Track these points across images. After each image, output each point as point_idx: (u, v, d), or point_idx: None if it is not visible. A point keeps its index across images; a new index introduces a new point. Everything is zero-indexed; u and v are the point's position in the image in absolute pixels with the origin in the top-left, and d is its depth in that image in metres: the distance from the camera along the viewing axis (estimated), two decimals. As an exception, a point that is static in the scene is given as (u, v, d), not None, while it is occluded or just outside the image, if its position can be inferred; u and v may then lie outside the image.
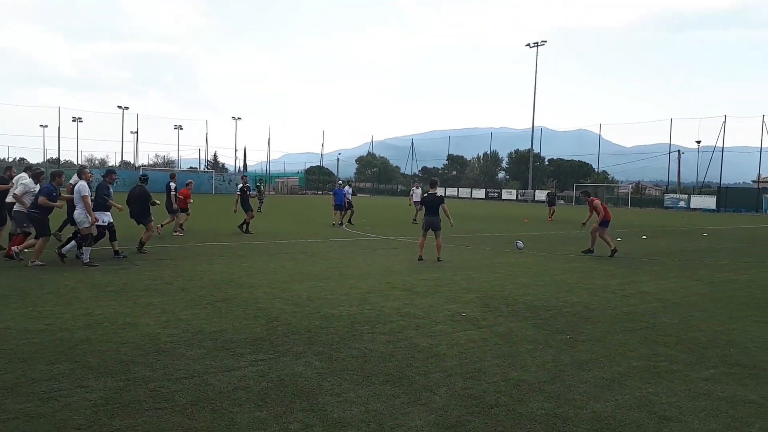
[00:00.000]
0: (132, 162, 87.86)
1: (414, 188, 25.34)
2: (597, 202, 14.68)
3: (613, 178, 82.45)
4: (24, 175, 11.56)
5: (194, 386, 4.55)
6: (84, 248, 10.44)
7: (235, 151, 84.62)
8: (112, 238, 11.44)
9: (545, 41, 66.01)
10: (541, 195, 67.18)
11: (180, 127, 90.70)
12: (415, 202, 24.06)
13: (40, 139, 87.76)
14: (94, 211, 10.64)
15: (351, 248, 14.35)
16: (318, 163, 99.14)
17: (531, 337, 6.22)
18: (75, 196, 10.54)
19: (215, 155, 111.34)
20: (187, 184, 17.41)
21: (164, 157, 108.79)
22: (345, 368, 5.05)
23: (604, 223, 14.36)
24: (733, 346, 6.08)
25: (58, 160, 72.85)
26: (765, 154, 55.88)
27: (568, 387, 4.73)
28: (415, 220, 23.84)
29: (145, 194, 12.77)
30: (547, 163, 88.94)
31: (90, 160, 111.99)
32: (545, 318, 7.18)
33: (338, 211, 21.39)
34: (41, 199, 10.29)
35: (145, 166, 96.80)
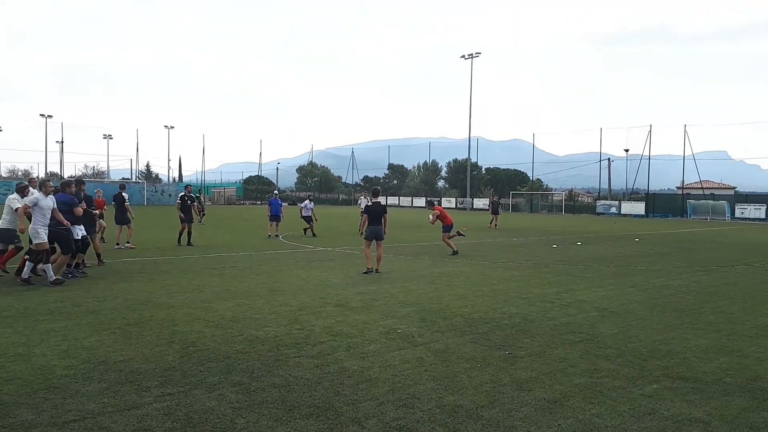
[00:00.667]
0: (58, 173, 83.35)
1: (362, 198, 25.39)
2: (439, 209, 16.66)
3: (547, 185, 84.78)
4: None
5: (84, 431, 3.91)
6: (44, 265, 9.78)
7: (168, 160, 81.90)
8: (82, 251, 10.88)
9: (479, 53, 67.26)
10: (479, 203, 68.29)
11: (109, 137, 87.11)
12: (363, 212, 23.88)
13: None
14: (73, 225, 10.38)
15: (285, 261, 13.73)
16: (257, 173, 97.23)
17: (469, 355, 5.87)
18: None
19: (148, 165, 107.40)
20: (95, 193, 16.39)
21: (93, 167, 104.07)
22: (264, 401, 4.51)
23: (446, 228, 16.28)
24: (673, 357, 5.92)
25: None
26: (687, 162, 58.91)
27: (508, 411, 4.38)
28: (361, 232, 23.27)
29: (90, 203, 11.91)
30: (484, 171, 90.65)
31: (12, 171, 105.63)
32: (483, 332, 6.87)
33: (274, 222, 20.69)
34: (77, 209, 10.32)
35: (72, 177, 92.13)
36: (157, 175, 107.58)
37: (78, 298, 8.41)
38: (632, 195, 64.09)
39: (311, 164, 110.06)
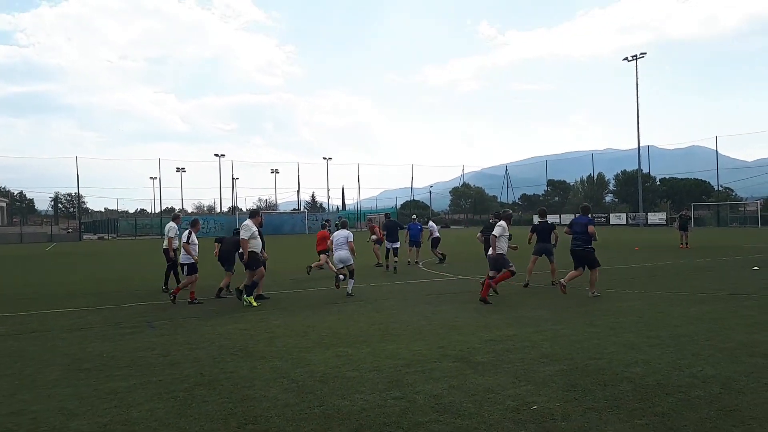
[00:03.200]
0: (233, 207, 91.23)
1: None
2: (376, 227, 18.71)
3: (736, 195, 73.98)
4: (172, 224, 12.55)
5: None
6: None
7: (327, 190, 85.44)
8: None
9: (644, 53, 61.06)
10: (653, 218, 61.34)
11: (276, 171, 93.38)
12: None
13: (149, 190, 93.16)
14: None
15: (415, 294, 12.16)
16: (417, 197, 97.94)
17: (640, 460, 3.75)
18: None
19: (313, 196, 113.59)
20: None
21: (266, 200, 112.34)
22: None
23: (379, 241, 18.26)
24: None
25: (161, 208, 76.75)
26: None
27: None
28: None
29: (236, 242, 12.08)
30: (658, 182, 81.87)
31: (198, 207, 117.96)
32: (663, 411, 4.63)
33: (413, 248, 19.33)
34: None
35: (249, 209, 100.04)
36: (321, 205, 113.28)
37: (171, 345, 7.58)
38: None
39: (464, 185, 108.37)
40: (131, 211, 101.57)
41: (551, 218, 66.75)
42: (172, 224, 12.52)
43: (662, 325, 8.18)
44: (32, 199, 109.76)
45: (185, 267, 11.18)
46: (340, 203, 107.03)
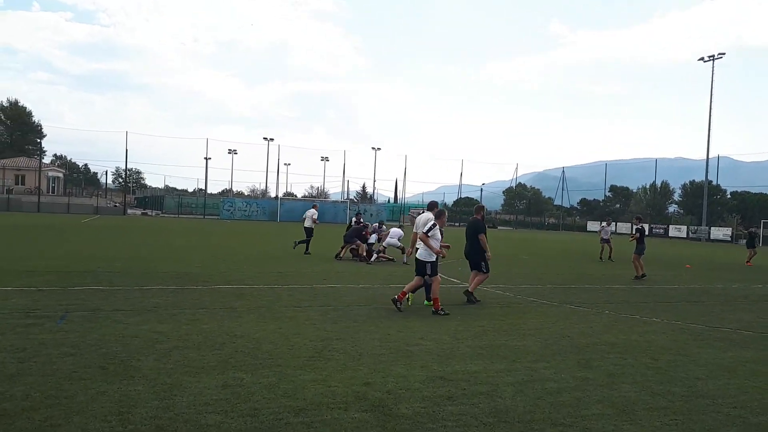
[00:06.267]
0: (287, 192, 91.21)
1: (604, 224, 24.06)
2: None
3: (817, 213, 67.80)
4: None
5: None
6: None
7: (374, 181, 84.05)
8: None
9: (723, 53, 56.36)
10: (717, 233, 56.87)
11: (326, 159, 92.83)
12: (602, 239, 23.50)
13: (202, 170, 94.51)
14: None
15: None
16: (467, 195, 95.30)
17: None
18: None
19: (364, 186, 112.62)
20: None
21: (318, 188, 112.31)
22: None
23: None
24: None
25: (205, 187, 77.31)
26: None
27: None
28: (601, 257, 23.15)
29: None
30: (729, 196, 76.23)
31: (253, 191, 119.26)
32: None
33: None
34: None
35: (305, 197, 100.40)
36: (371, 195, 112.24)
37: (52, 344, 6.20)
38: None
39: (520, 185, 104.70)
40: (190, 189, 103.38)
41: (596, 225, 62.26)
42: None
43: (680, 375, 6.18)
44: (96, 172, 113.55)
45: None
46: (392, 195, 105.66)
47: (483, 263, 10.56)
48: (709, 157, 58.19)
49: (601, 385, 5.70)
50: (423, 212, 10.62)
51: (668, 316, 10.05)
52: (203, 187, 78.56)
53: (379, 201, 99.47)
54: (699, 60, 57.40)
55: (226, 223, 49.71)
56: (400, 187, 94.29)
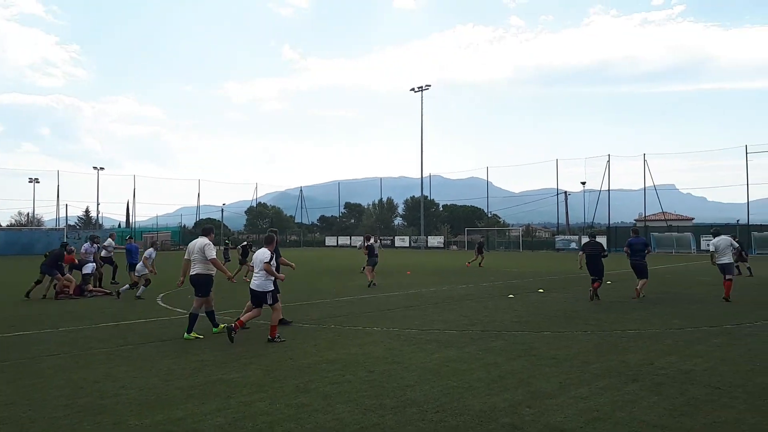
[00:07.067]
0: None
1: (372, 240, 20.02)
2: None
3: (504, 221, 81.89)
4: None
5: None
6: None
7: (97, 204, 75.55)
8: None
9: (429, 85, 64.39)
10: (433, 241, 64.49)
11: (36, 180, 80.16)
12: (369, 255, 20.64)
13: None
14: None
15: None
16: (207, 215, 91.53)
17: None
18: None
19: (87, 210, 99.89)
20: None
21: (28, 214, 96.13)
22: None
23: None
24: None
25: None
26: (641, 194, 56.85)
27: None
28: (371, 284, 18.03)
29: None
30: (441, 209, 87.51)
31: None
32: None
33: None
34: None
35: (10, 225, 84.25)
36: (95, 220, 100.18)
37: None
38: (592, 229, 61.33)
39: (261, 205, 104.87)
40: None
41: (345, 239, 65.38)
42: None
43: (392, 385, 6.32)
44: None
45: None
46: (123, 220, 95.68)
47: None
48: (424, 176, 65.75)
49: (316, 409, 5.48)
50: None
51: (387, 324, 10.58)
52: None
53: (105, 226, 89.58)
54: (411, 90, 64.70)
55: None
56: (145, 212, 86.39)
